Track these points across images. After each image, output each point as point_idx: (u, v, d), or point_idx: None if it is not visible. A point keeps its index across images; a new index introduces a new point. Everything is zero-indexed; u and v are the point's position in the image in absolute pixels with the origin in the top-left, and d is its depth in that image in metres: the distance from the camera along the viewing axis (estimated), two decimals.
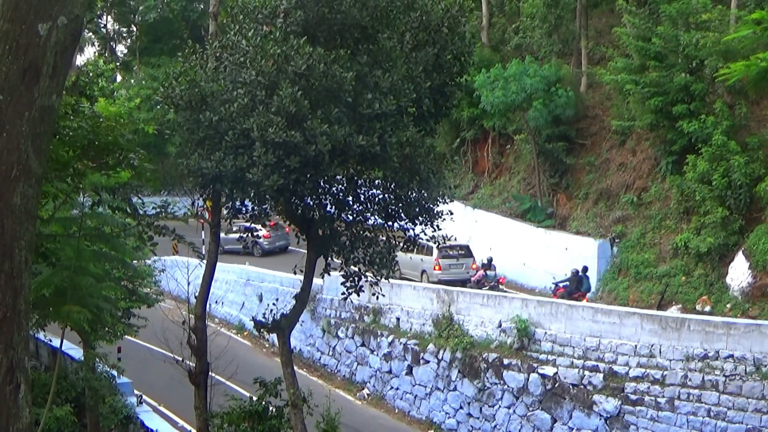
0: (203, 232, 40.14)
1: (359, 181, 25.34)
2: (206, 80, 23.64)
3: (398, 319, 48.27)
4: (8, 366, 9.68)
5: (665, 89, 47.77)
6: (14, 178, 9.46)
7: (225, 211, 25.79)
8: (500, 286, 51.17)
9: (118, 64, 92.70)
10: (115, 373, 36.56)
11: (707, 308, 43.59)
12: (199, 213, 28.04)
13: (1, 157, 9.36)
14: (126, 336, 36.65)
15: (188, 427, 34.69)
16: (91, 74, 36.12)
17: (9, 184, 9.45)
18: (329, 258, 27.18)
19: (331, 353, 51.82)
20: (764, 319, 39.18)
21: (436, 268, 52.78)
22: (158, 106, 60.77)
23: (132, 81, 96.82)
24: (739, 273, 43.46)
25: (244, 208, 25.43)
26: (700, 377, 36.02)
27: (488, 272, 50.62)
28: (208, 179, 23.70)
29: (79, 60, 67.14)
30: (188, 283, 30.63)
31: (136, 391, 37.69)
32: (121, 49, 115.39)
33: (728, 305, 43.22)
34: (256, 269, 58.06)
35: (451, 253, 53.00)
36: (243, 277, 58.34)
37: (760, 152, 44.44)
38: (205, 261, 27.31)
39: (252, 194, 23.92)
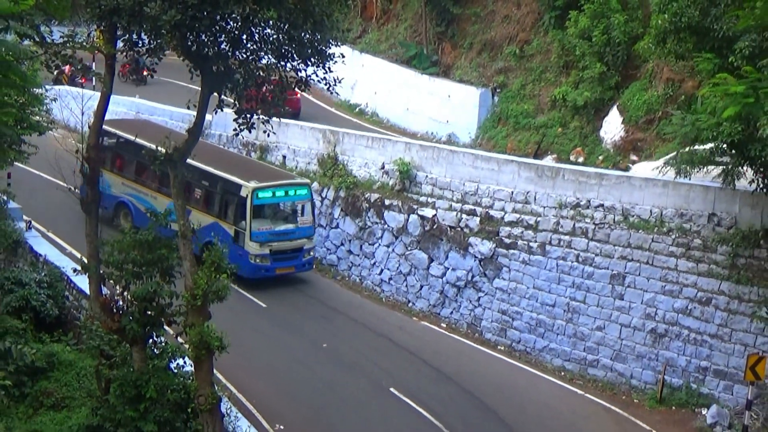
0: (94, 64, 40.16)
1: (254, 20, 25.65)
2: None
3: (284, 156, 49.08)
4: None
5: None
6: None
7: (121, 44, 26.03)
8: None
9: None
10: (5, 197, 36.98)
11: (580, 159, 45.38)
12: (95, 45, 28.14)
13: None
14: (16, 163, 36.96)
15: (77, 254, 35.27)
16: None
17: None
18: (222, 94, 27.59)
19: None
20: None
21: None
22: None
23: None
24: (612, 127, 45.20)
25: (140, 42, 25.63)
26: (571, 224, 37.84)
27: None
28: (105, 11, 23.76)
29: None
30: (82, 113, 30.95)
31: (25, 217, 38.25)
32: None
33: (600, 157, 45.02)
34: (147, 102, 57.73)
35: None
36: (133, 110, 57.94)
37: (640, 12, 45.70)
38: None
39: (148, 28, 24.08)
